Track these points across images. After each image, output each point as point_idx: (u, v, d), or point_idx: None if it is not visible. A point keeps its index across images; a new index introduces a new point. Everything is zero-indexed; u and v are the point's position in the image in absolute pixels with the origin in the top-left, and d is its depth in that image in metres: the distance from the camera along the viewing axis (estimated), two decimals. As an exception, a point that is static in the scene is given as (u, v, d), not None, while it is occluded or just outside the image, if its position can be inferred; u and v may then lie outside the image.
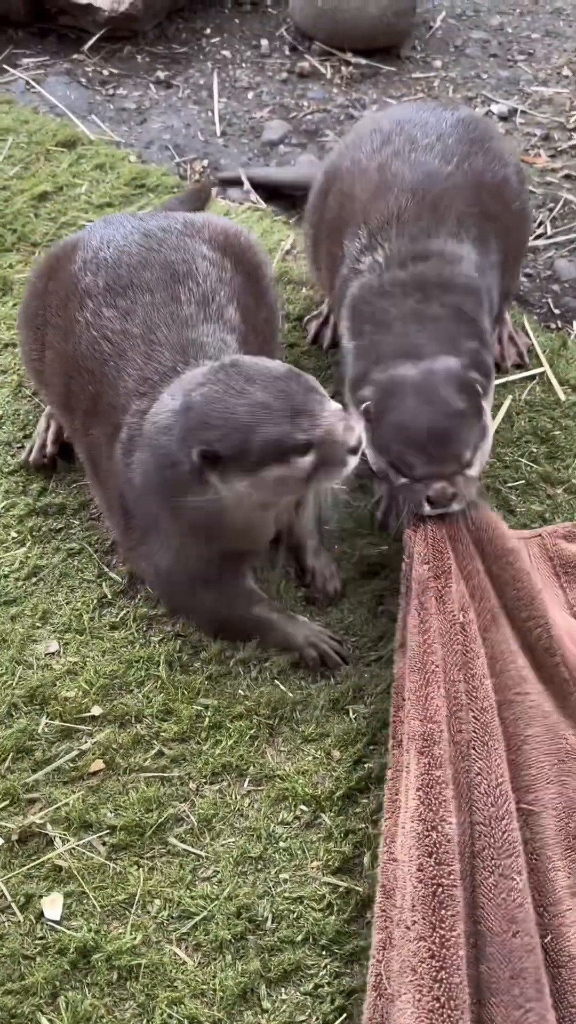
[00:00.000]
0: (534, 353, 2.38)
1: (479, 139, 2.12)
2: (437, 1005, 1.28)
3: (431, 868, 1.39)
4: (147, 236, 1.98)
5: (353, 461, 1.63)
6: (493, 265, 2.04)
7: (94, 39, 3.53)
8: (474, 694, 1.59)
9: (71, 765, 1.69)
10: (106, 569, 1.97)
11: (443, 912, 1.36)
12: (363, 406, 1.78)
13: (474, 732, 1.55)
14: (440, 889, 1.38)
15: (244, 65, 3.53)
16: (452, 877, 1.39)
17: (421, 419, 1.71)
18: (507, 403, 2.24)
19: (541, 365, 2.34)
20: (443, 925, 1.35)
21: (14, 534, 2.02)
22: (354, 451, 1.62)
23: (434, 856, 1.40)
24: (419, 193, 1.98)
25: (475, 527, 1.77)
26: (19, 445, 2.18)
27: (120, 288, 1.89)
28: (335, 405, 1.64)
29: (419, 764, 1.50)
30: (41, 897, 1.55)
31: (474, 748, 1.54)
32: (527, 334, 2.41)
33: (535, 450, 2.16)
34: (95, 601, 1.91)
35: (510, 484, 2.09)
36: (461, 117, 2.16)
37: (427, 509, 1.72)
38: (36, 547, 2.00)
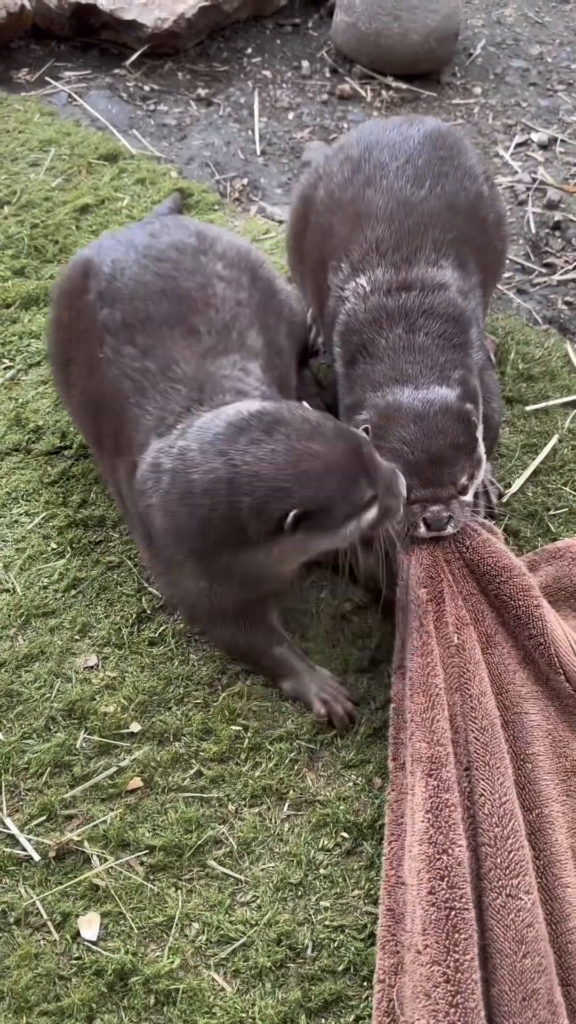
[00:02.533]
0: (505, 350, 2.42)
1: (448, 157, 2.11)
2: None
3: (443, 892, 1.38)
4: (161, 260, 1.93)
5: (402, 510, 1.70)
6: (474, 286, 2.05)
7: (136, 55, 3.56)
8: (472, 714, 1.58)
9: (109, 782, 1.67)
10: (145, 584, 1.95)
11: (457, 936, 1.34)
12: (361, 428, 1.80)
13: (476, 752, 1.54)
14: (453, 912, 1.36)
15: (285, 85, 3.55)
16: (464, 900, 1.37)
17: (420, 445, 1.76)
18: (554, 440, 2.24)
19: (583, 393, 2.34)
20: (457, 949, 1.33)
21: (54, 545, 2.01)
22: (406, 500, 1.70)
23: (446, 879, 1.39)
24: (395, 222, 1.99)
25: (469, 549, 1.79)
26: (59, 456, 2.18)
27: (138, 323, 1.85)
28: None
29: (427, 787, 1.49)
30: (78, 916, 1.53)
31: (476, 768, 1.53)
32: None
33: (578, 479, 2.15)
34: (134, 615, 1.90)
35: (552, 512, 2.08)
36: (427, 133, 2.14)
37: (422, 531, 1.78)
38: (76, 559, 1.99)
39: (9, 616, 1.89)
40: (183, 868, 1.58)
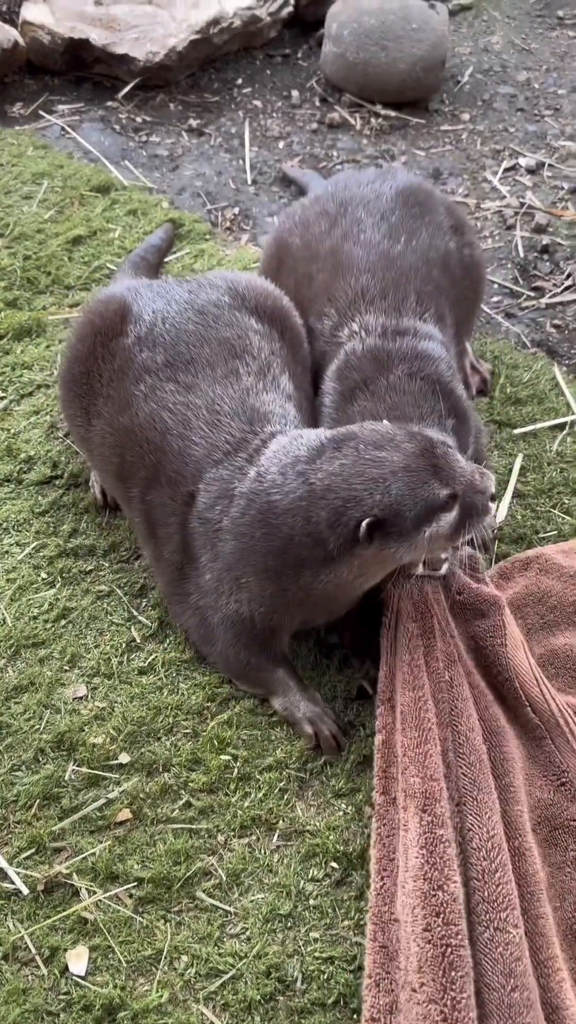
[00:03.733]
0: (493, 374, 2.44)
1: (419, 214, 2.20)
2: None
3: (439, 928, 1.37)
4: (201, 314, 2.00)
5: (493, 508, 1.69)
6: (451, 336, 2.12)
7: (128, 87, 3.61)
8: (461, 749, 1.59)
9: (98, 814, 1.66)
10: (135, 613, 1.96)
11: (453, 973, 1.33)
12: None
13: (465, 788, 1.55)
14: (449, 949, 1.35)
15: (275, 115, 3.59)
16: (460, 936, 1.37)
17: None
18: (519, 460, 2.25)
19: (573, 413, 2.34)
20: (454, 987, 1.32)
21: (44, 575, 2.02)
22: (493, 497, 1.68)
23: (441, 916, 1.38)
24: (378, 273, 2.06)
25: (452, 591, 1.81)
26: (50, 485, 2.19)
27: (182, 364, 1.92)
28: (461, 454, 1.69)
29: (421, 823, 1.49)
30: (66, 950, 1.52)
31: (465, 803, 1.53)
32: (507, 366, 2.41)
33: (567, 501, 2.15)
34: (124, 645, 1.90)
35: (542, 535, 2.08)
36: (399, 189, 2.23)
37: (420, 570, 1.78)
38: (66, 589, 1.99)
39: (-1, 647, 1.90)
40: (172, 900, 1.57)
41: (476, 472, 1.66)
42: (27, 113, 3.55)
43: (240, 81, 3.75)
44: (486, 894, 1.43)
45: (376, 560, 1.66)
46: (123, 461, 1.94)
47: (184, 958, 1.51)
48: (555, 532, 2.09)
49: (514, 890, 1.44)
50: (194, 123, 3.53)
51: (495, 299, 2.77)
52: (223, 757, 1.72)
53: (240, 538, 1.72)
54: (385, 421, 1.73)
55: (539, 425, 2.32)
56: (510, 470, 2.21)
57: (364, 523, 1.59)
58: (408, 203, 2.21)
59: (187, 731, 1.77)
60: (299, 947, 1.51)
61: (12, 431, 2.32)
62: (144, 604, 1.98)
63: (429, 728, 1.60)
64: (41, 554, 2.05)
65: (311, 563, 1.67)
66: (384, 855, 1.53)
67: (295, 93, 3.68)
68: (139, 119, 3.55)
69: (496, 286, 2.81)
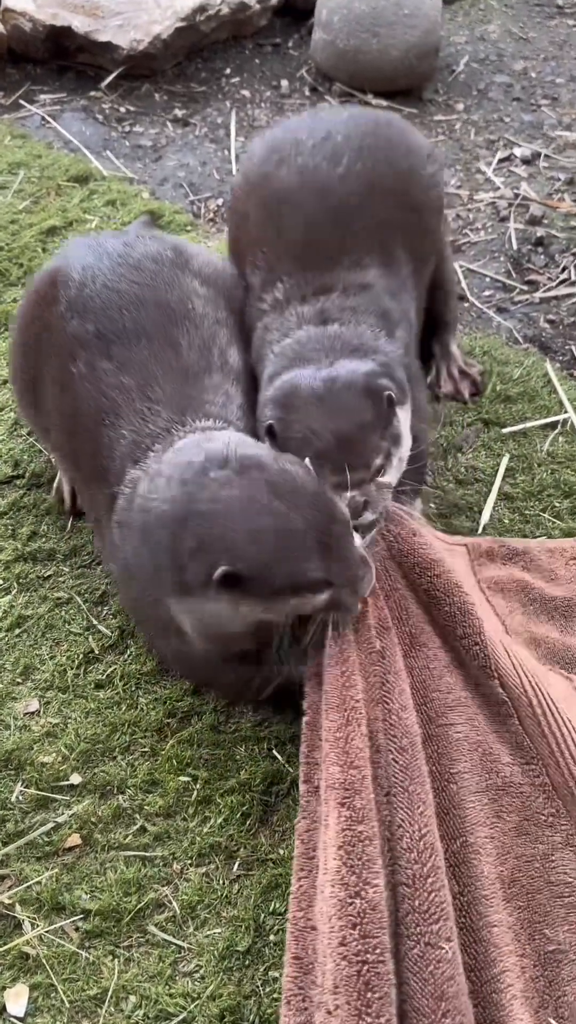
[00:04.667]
0: (489, 376, 2.29)
1: (373, 131, 1.91)
2: None
3: (355, 943, 1.20)
4: (137, 270, 1.79)
5: (359, 608, 1.51)
6: (405, 280, 1.87)
7: (112, 76, 3.50)
8: (392, 732, 1.41)
9: (45, 839, 1.54)
10: (95, 621, 1.84)
11: (370, 995, 1.16)
12: (266, 424, 1.64)
13: (394, 777, 1.37)
14: (365, 967, 1.18)
15: (263, 105, 3.48)
16: (378, 951, 1.19)
17: (325, 428, 1.58)
18: (505, 460, 2.12)
19: (565, 412, 2.22)
20: (370, 1011, 1.15)
21: (0, 580, 1.90)
22: (364, 600, 1.51)
23: (358, 928, 1.21)
24: (308, 209, 1.81)
25: (396, 539, 1.63)
26: (10, 485, 2.08)
27: (114, 334, 1.71)
28: (358, 540, 1.52)
29: (339, 818, 1.31)
30: (5, 989, 1.40)
31: (395, 795, 1.35)
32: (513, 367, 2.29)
33: (557, 505, 2.02)
34: (81, 656, 1.78)
35: (531, 540, 1.95)
36: (354, 112, 1.96)
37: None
38: (22, 595, 1.87)
39: (-51, 657, 1.78)
40: (121, 934, 1.45)
41: (361, 569, 1.46)
42: (7, 103, 3.45)
43: (228, 71, 3.64)
44: (416, 903, 1.25)
45: (227, 610, 1.46)
46: (74, 449, 1.77)
47: (132, 998, 1.39)
48: (544, 537, 1.96)
49: (447, 898, 1.26)
50: (179, 113, 3.42)
51: (486, 293, 2.65)
52: (182, 778, 1.60)
53: (141, 559, 1.55)
54: (307, 461, 1.52)
55: (529, 424, 2.20)
56: (496, 470, 2.09)
57: (219, 571, 1.40)
58: (363, 123, 1.93)
59: (145, 750, 1.65)
60: (256, 987, 1.39)
61: (-26, 429, 2.20)
62: (104, 612, 1.86)
63: (353, 707, 1.41)
64: (-2, 558, 1.94)
65: (172, 588, 1.49)
66: (304, 852, 1.35)
67: (284, 82, 3.57)
68: (123, 109, 3.44)
69: (488, 280, 2.69)
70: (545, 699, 1.50)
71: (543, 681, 1.53)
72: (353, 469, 1.57)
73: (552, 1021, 1.27)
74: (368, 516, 1.59)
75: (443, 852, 1.33)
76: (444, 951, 1.21)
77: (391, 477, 1.65)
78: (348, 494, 1.57)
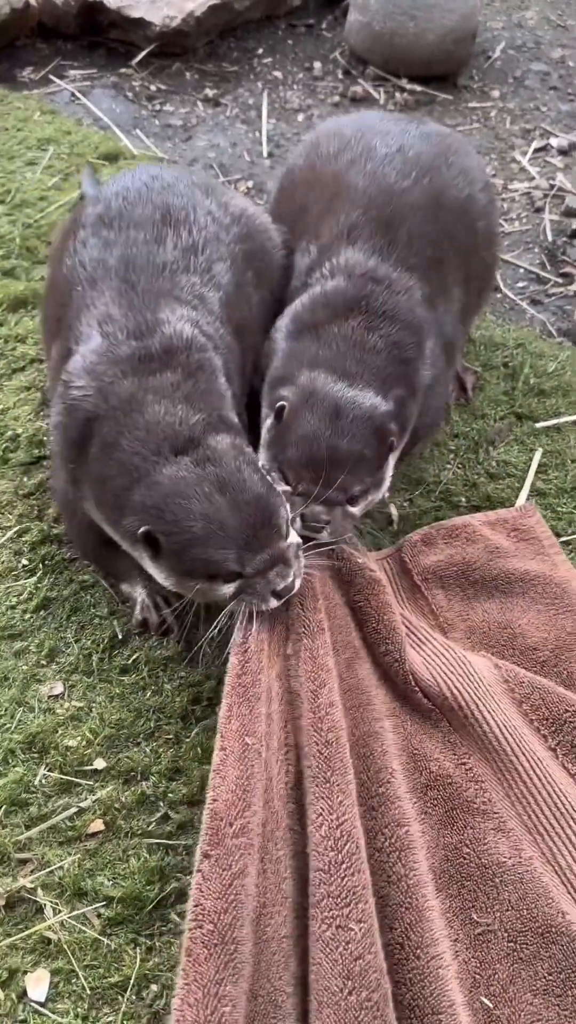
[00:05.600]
0: (517, 364, 2.29)
1: (443, 153, 1.98)
2: None
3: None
4: (155, 179, 1.89)
5: (274, 603, 1.54)
6: (448, 289, 1.92)
7: (143, 54, 3.45)
8: (320, 725, 1.47)
9: (68, 824, 1.53)
10: (120, 606, 1.82)
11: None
12: (278, 404, 1.70)
13: (317, 767, 1.42)
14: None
15: (295, 87, 3.43)
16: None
17: (327, 439, 1.65)
18: (538, 455, 2.08)
19: (598, 411, 2.19)
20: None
21: (25, 562, 1.88)
22: (279, 596, 1.53)
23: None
24: (372, 211, 1.86)
25: (340, 559, 1.70)
26: (36, 466, 2.06)
27: (109, 219, 1.80)
28: (292, 539, 1.55)
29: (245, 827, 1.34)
30: (26, 973, 1.39)
31: (317, 784, 1.40)
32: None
33: (590, 502, 1.99)
34: (106, 640, 1.76)
35: (564, 537, 1.93)
36: (430, 128, 2.03)
37: (297, 525, 1.64)
38: (48, 577, 1.86)
39: (-27, 637, 1.76)
40: (143, 923, 1.43)
41: (278, 564, 1.51)
42: (37, 78, 3.41)
43: (261, 51, 3.59)
44: (331, 888, 1.30)
45: (149, 561, 1.57)
46: (45, 316, 1.90)
47: (153, 987, 1.38)
48: (577, 535, 1.94)
49: (363, 882, 1.31)
50: (210, 93, 3.37)
51: (520, 285, 2.61)
52: (206, 767, 1.58)
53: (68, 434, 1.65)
54: (260, 472, 1.56)
55: (564, 419, 2.16)
56: (529, 466, 2.06)
57: (142, 530, 1.50)
58: (434, 141, 1.99)
59: (169, 737, 1.63)
60: (280, 981, 1.38)
61: (1, 407, 2.18)
62: (130, 596, 1.84)
63: (255, 698, 1.47)
64: (23, 539, 1.92)
65: (106, 519, 1.61)
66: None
67: (317, 64, 3.51)
68: (153, 87, 3.40)
69: (522, 271, 2.65)
70: (469, 702, 1.56)
71: (467, 684, 1.58)
72: (331, 486, 1.64)
73: (484, 999, 1.31)
74: (324, 536, 1.66)
75: (390, 837, 1.39)
76: (354, 932, 1.26)
77: (358, 511, 1.72)
78: (316, 506, 1.65)
